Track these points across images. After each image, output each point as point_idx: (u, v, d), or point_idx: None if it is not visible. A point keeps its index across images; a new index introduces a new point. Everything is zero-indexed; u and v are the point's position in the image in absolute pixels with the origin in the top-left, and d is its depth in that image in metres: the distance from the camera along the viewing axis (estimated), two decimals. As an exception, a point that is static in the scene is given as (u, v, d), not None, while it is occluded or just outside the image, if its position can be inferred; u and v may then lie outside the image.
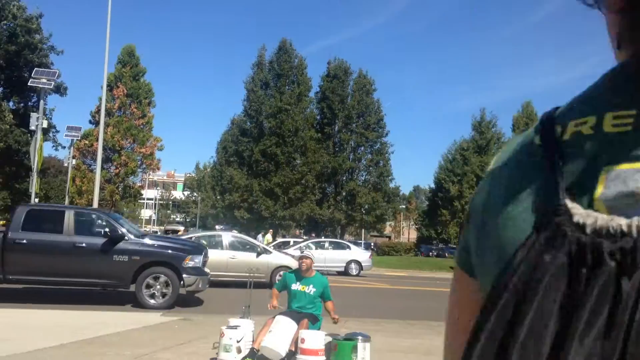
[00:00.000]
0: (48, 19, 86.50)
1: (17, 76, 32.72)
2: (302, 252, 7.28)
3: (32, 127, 24.00)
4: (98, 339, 8.20)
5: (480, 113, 46.00)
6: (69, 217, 11.91)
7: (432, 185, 47.95)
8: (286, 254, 20.14)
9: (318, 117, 43.47)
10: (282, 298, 7.42)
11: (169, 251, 12.16)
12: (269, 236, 33.58)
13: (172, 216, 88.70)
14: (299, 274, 7.21)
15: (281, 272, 17.33)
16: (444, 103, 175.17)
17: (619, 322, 0.42)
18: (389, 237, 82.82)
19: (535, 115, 49.07)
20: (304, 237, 38.64)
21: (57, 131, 36.61)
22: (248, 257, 17.34)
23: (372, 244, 58.28)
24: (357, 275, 26.05)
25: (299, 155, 39.98)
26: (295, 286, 7.14)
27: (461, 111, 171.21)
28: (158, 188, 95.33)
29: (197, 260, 12.13)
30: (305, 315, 6.87)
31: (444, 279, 28.80)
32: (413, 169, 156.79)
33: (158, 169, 53.27)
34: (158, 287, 11.75)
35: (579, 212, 0.51)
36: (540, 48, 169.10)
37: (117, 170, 47.09)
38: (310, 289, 7.07)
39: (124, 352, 7.27)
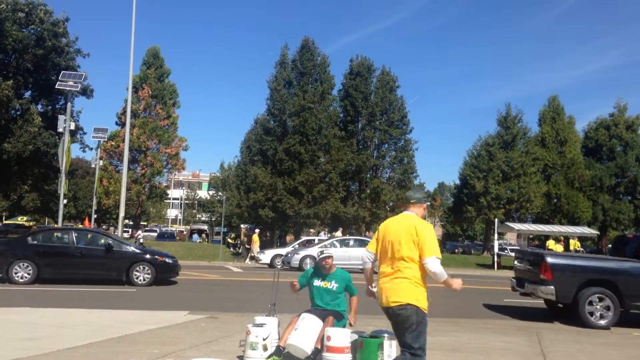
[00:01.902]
0: (74, 22, 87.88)
1: (44, 79, 33.25)
2: (322, 253, 7.26)
3: (60, 129, 24.46)
4: (126, 337, 8.30)
5: (506, 108, 45.37)
6: None
7: (457, 182, 47.50)
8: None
9: (341, 115, 43.32)
10: (304, 295, 7.41)
11: None
12: (339, 234, 33.63)
13: (197, 215, 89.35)
14: (320, 271, 7.21)
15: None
16: (469, 99, 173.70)
17: None
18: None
19: (562, 109, 48.29)
20: (330, 234, 38.61)
21: (85, 133, 37.14)
22: None
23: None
24: (383, 272, 25.93)
25: (322, 154, 39.88)
26: (317, 282, 7.15)
27: (486, 106, 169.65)
28: (183, 188, 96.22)
29: None
30: (330, 312, 6.87)
31: (470, 275, 28.55)
32: (437, 165, 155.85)
33: (183, 169, 53.81)
34: None
35: None
36: (565, 41, 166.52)
37: (143, 171, 47.64)
38: (332, 285, 7.08)
39: (152, 350, 7.35)
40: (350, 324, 7.07)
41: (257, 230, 34.70)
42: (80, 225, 30.85)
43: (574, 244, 35.41)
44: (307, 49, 41.58)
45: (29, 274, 15.59)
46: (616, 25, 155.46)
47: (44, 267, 15.75)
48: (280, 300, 7.68)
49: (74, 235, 16.83)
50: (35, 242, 16.53)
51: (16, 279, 15.44)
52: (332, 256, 7.23)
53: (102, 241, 17.00)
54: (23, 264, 15.62)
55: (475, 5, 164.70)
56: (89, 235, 17.46)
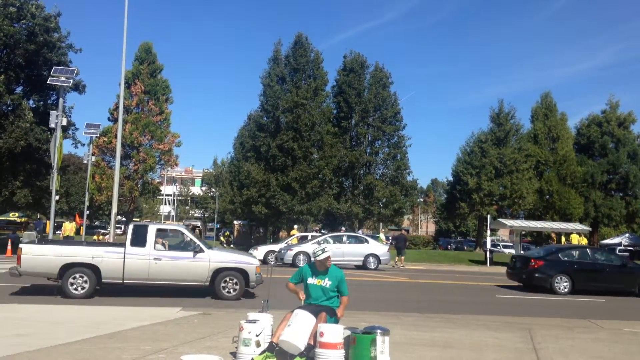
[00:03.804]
0: (66, 17, 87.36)
1: (36, 75, 33.02)
2: (323, 251, 7.14)
3: (52, 125, 24.25)
4: (118, 333, 8.27)
5: (499, 105, 45.49)
6: None
7: (450, 178, 47.60)
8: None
9: (335, 111, 43.25)
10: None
11: None
12: (382, 236, 33.81)
13: (190, 212, 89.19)
14: (315, 268, 7.18)
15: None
16: (462, 95, 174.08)
17: None
18: (407, 231, 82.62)
19: (554, 106, 48.40)
20: (323, 231, 38.65)
21: (77, 129, 36.86)
22: None
23: (390, 237, 58.16)
24: (375, 269, 26.00)
25: (316, 150, 39.83)
26: (311, 280, 7.12)
27: (479, 103, 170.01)
28: (176, 184, 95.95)
29: None
30: (323, 308, 6.86)
31: (463, 272, 28.64)
32: (431, 162, 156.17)
33: (176, 165, 53.64)
34: None
35: None
36: (559, 39, 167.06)
37: (136, 167, 47.47)
38: (326, 282, 7.05)
39: (144, 347, 7.33)
40: (338, 316, 7.03)
41: (295, 226, 35.53)
42: (74, 223, 30.59)
43: (578, 239, 35.53)
44: (301, 45, 41.48)
45: (565, 286, 18.08)
46: (609, 23, 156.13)
47: (577, 280, 18.17)
48: (274, 297, 7.67)
49: (593, 253, 19.62)
50: (566, 258, 18.81)
51: (558, 290, 18.01)
52: (330, 255, 7.14)
53: (616, 257, 19.92)
54: (562, 278, 18.14)
55: (469, 4, 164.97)
56: (605, 254, 20.37)
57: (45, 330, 8.41)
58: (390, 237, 34.77)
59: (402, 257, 30.59)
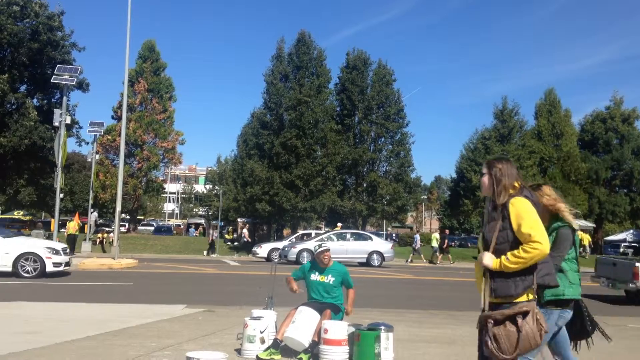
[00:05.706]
0: (69, 16, 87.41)
1: (40, 73, 33.14)
2: (321, 246, 7.20)
3: (56, 123, 24.34)
4: (123, 330, 8.31)
5: (502, 101, 45.41)
6: None
7: (454, 175, 47.57)
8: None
9: (338, 109, 43.25)
10: (301, 288, 7.40)
11: None
12: (436, 235, 34.15)
13: (194, 210, 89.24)
14: (317, 265, 7.18)
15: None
16: (466, 92, 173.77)
17: None
18: (411, 228, 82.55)
19: (558, 102, 48.30)
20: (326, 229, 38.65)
21: (80, 127, 36.98)
22: None
23: (394, 234, 58.17)
24: (379, 266, 26.04)
25: (319, 147, 39.82)
26: (314, 277, 7.11)
27: (483, 100, 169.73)
28: (180, 182, 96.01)
29: None
30: (327, 305, 6.87)
31: (467, 269, 28.63)
32: (434, 159, 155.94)
33: (180, 162, 53.66)
34: None
35: None
36: (563, 35, 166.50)
37: (140, 165, 47.55)
38: (329, 279, 7.04)
39: (150, 344, 7.36)
40: (347, 313, 7.07)
41: (339, 224, 36.09)
42: (74, 221, 30.53)
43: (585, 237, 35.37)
44: (303, 42, 41.46)
45: None
46: (613, 19, 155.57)
47: None
48: (278, 294, 7.69)
49: None
50: None
51: None
52: (329, 249, 7.19)
53: None
54: None
55: (472, 0, 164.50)
56: None
57: (51, 327, 8.45)
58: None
59: (440, 255, 32.87)
